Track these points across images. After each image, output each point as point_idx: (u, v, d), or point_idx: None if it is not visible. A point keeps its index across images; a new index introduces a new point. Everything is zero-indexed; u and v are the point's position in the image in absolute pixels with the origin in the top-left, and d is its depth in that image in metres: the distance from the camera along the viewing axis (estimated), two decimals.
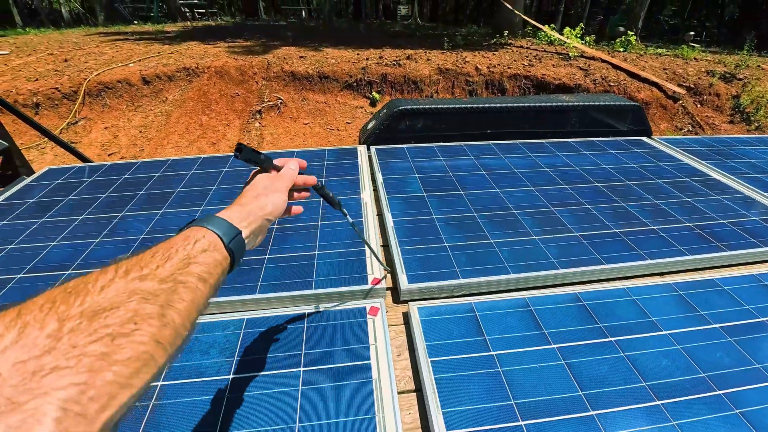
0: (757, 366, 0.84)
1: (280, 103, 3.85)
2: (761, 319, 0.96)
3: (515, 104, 1.95)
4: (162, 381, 0.78)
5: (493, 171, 1.58)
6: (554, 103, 1.99)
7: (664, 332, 0.91)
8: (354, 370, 0.78)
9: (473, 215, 1.28)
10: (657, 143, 1.98)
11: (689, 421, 0.73)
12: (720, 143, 2.06)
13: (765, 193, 1.52)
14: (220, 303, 0.96)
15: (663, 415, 0.73)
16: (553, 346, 0.86)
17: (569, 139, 1.93)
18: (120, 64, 4.15)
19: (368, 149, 1.76)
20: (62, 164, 1.81)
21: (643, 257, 1.13)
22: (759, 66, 5.29)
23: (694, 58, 5.55)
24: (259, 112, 3.81)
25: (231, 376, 0.78)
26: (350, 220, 0.86)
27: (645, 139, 2.02)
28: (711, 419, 0.73)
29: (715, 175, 1.66)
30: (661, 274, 1.14)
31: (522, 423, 0.71)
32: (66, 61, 4.48)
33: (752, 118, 4.25)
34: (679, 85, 4.53)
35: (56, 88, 3.72)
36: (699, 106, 4.44)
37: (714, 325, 0.94)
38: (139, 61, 4.30)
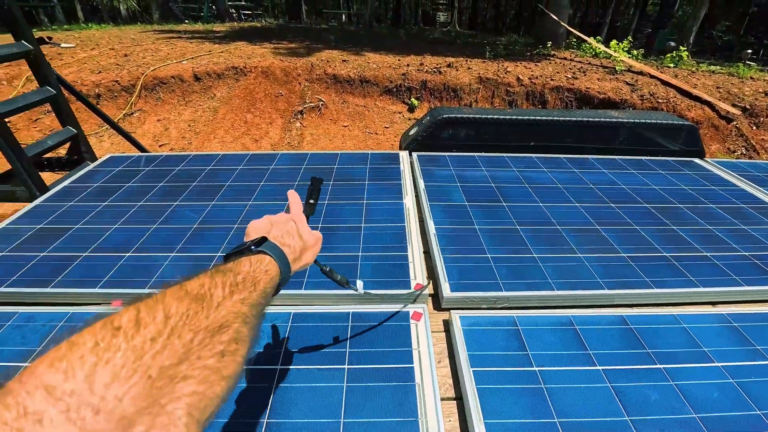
0: None
1: (321, 104, 3.96)
2: None
3: (561, 118, 1.92)
4: None
5: (536, 184, 1.56)
6: (602, 119, 1.94)
7: (716, 364, 0.87)
8: (397, 372, 0.79)
9: (516, 228, 1.27)
10: (711, 165, 1.89)
11: None
12: None
13: None
14: None
15: None
16: (599, 367, 0.84)
17: (616, 157, 1.88)
18: (174, 61, 4.40)
19: (410, 155, 1.78)
20: (119, 152, 1.94)
21: (694, 284, 1.08)
22: None
23: (751, 78, 5.24)
24: (301, 112, 3.93)
25: (279, 367, 0.81)
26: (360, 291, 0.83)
27: (697, 160, 1.94)
28: None
29: None
30: (713, 304, 1.09)
31: None
32: (126, 56, 4.79)
33: None
34: (734, 105, 4.28)
35: (116, 81, 4.00)
36: (755, 128, 4.18)
37: None
38: (192, 58, 4.55)
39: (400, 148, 1.95)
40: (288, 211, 0.72)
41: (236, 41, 6.00)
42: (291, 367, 0.81)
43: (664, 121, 1.95)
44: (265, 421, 0.71)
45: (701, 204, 1.52)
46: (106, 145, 3.66)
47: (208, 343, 0.33)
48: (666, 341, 0.92)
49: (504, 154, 1.81)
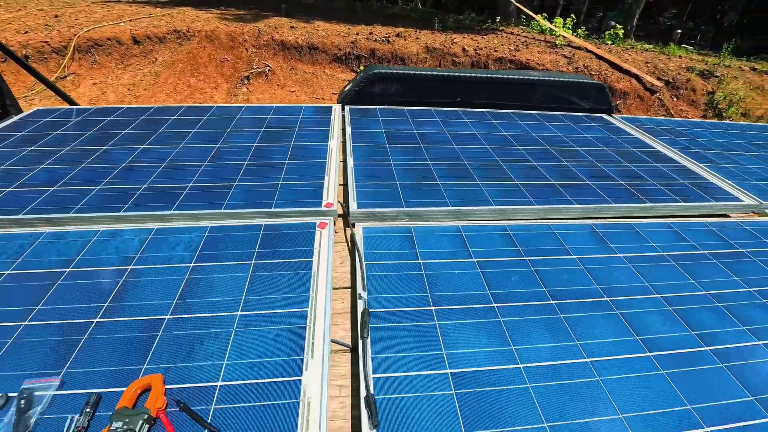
0: (646, 284, 0.99)
1: (268, 70, 3.92)
2: (662, 254, 1.12)
3: (486, 75, 2.07)
4: (135, 265, 0.90)
5: (456, 132, 1.71)
6: (522, 77, 2.11)
7: (573, 257, 1.06)
8: (298, 264, 0.91)
9: (428, 163, 1.41)
10: (616, 120, 2.12)
11: (575, 315, 0.87)
12: (675, 124, 2.21)
13: (700, 164, 1.67)
14: (187, 215, 1.08)
15: (554, 310, 0.88)
16: (474, 260, 1.00)
17: (533, 112, 2.06)
18: (111, 23, 4.16)
19: (343, 108, 1.87)
20: None
21: (571, 203, 1.27)
22: (740, 68, 5.46)
23: (680, 56, 5.70)
24: (247, 77, 3.88)
25: (192, 264, 0.90)
26: None
27: (605, 116, 2.16)
28: (595, 317, 0.88)
29: (660, 148, 1.81)
30: (586, 219, 1.28)
31: (433, 308, 0.85)
32: (56, 17, 4.45)
33: (724, 114, 4.42)
34: (659, 79, 4.68)
35: (46, 42, 3.73)
36: (675, 99, 4.60)
37: (619, 255, 1.09)
38: (130, 21, 4.31)
39: (337, 103, 2.03)
40: None
41: (180, 6, 5.71)
42: (203, 264, 0.91)
43: (576, 80, 2.15)
44: (175, 301, 0.81)
45: (597, 148, 1.72)
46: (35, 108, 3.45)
47: None
48: (536, 243, 1.09)
49: (431, 108, 1.94)
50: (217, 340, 0.74)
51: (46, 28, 3.96)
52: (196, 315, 0.79)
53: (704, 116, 4.60)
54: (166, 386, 0.66)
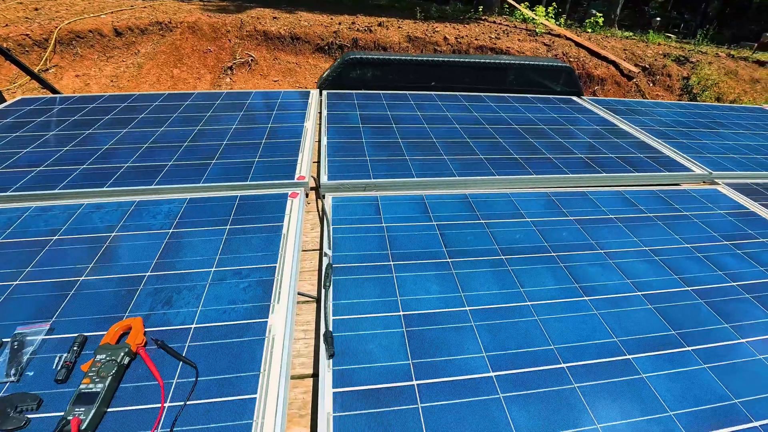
0: (591, 242, 1.09)
1: (252, 60, 3.96)
2: (609, 216, 1.21)
3: (458, 60, 2.15)
4: (118, 232, 0.97)
5: (428, 113, 1.79)
6: (494, 61, 2.19)
7: (526, 219, 1.15)
8: (269, 228, 0.99)
9: (398, 141, 1.49)
10: (584, 102, 2.21)
11: (522, 268, 0.96)
12: (641, 105, 2.31)
13: (658, 139, 1.77)
14: (167, 189, 1.15)
15: (503, 263, 0.97)
16: (434, 223, 1.08)
17: (506, 95, 2.15)
18: (92, 15, 4.14)
19: (321, 93, 1.93)
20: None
21: (530, 173, 1.36)
22: (716, 54, 5.61)
23: (659, 43, 5.83)
24: (231, 68, 3.91)
25: (171, 230, 0.98)
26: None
27: (574, 98, 2.25)
28: (540, 268, 0.97)
29: (622, 125, 1.90)
30: (545, 188, 1.37)
31: (392, 263, 0.93)
32: (36, 9, 4.41)
33: (698, 98, 4.56)
34: (635, 65, 4.80)
35: (27, 35, 3.71)
36: (651, 85, 4.73)
37: (570, 218, 1.18)
38: (112, 13, 4.30)
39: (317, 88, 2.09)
40: None
41: None
42: (181, 230, 0.98)
43: (545, 63, 2.24)
44: (155, 261, 0.89)
45: (562, 126, 1.82)
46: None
47: None
48: (494, 209, 1.18)
49: (406, 92, 2.02)
50: (193, 291, 0.81)
51: (27, 21, 3.94)
52: (174, 272, 0.86)
53: (679, 101, 4.74)
54: (146, 330, 0.74)
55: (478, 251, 1.00)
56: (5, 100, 1.98)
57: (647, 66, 4.78)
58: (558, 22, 6.08)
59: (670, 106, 2.34)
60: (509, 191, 1.27)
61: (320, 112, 1.74)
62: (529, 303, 0.87)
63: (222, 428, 0.60)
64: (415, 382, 0.68)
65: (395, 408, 0.64)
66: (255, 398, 0.63)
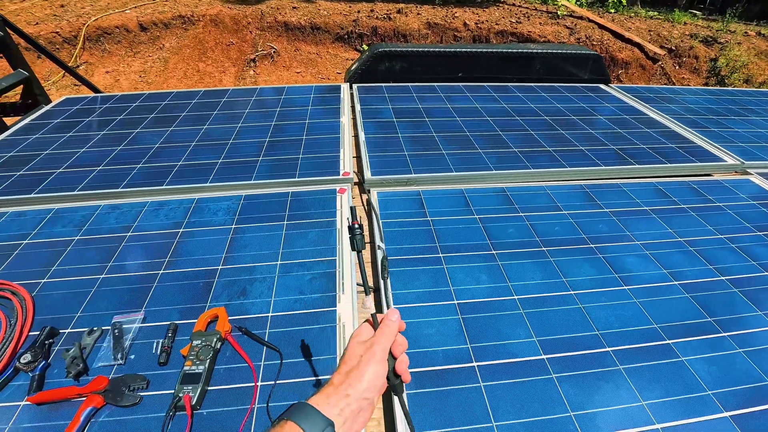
0: (627, 233, 1.13)
1: (274, 52, 3.99)
2: (644, 208, 1.25)
3: (485, 50, 2.16)
4: (184, 228, 1.06)
5: (457, 106, 1.82)
6: (521, 50, 2.19)
7: (564, 212, 1.19)
8: (323, 223, 1.06)
9: (433, 135, 1.53)
10: (612, 90, 2.21)
11: (563, 259, 1.02)
12: (669, 92, 2.29)
13: (688, 128, 1.77)
14: (222, 186, 1.22)
15: (545, 255, 1.02)
16: (476, 216, 1.14)
17: (533, 84, 2.15)
18: (117, 11, 4.21)
19: (350, 87, 1.97)
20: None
21: (564, 166, 1.40)
22: (745, 33, 5.40)
23: (685, 22, 5.63)
24: (254, 60, 3.95)
25: (233, 226, 1.06)
26: None
27: (602, 86, 2.24)
28: (580, 259, 1.03)
29: (653, 114, 1.91)
30: (579, 180, 1.41)
31: (441, 255, 0.99)
32: (62, 6, 4.50)
33: (726, 81, 4.43)
34: (661, 47, 4.66)
35: (57, 32, 3.81)
36: (677, 67, 4.60)
37: (605, 210, 1.22)
38: (135, 8, 4.36)
39: (344, 82, 2.13)
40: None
41: None
42: (242, 225, 1.06)
43: (572, 51, 2.23)
44: (224, 255, 0.97)
45: (592, 116, 1.83)
46: (54, 97, 3.58)
47: None
48: (531, 202, 1.23)
49: (434, 84, 2.04)
50: (264, 283, 0.89)
51: (55, 18, 4.03)
52: (243, 265, 0.94)
53: (706, 84, 4.61)
54: (229, 318, 0.82)
55: (521, 244, 1.05)
56: (50, 101, 2.08)
57: (673, 48, 4.64)
58: (579, 3, 5.91)
59: (699, 93, 2.31)
60: (545, 184, 1.31)
61: (353, 106, 1.79)
62: (572, 292, 0.93)
63: None
64: (475, 364, 0.75)
65: (460, 386, 0.72)
66: None
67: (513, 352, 0.78)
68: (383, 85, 1.99)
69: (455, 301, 0.87)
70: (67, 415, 0.67)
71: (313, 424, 0.42)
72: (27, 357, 0.76)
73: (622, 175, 1.43)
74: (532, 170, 1.35)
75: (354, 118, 1.70)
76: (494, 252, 1.02)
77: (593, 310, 0.89)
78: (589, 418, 0.69)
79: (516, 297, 0.90)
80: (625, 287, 0.96)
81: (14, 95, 2.20)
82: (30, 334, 0.82)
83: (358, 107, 1.73)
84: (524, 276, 0.95)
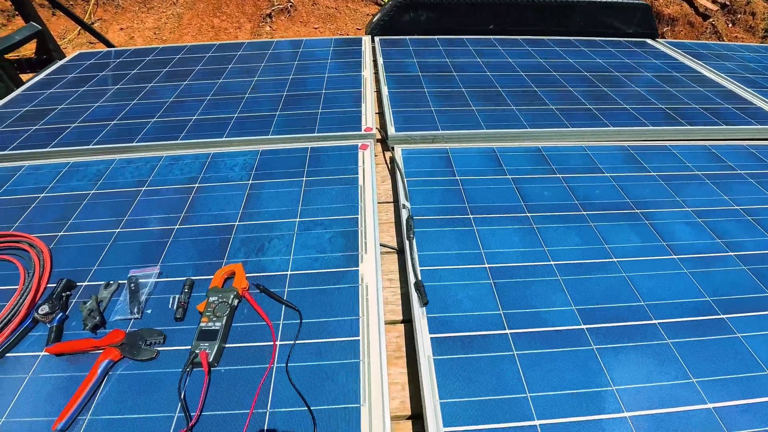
0: (677, 199, 1.03)
1: (290, 6, 3.78)
2: (696, 173, 1.13)
3: (519, 0, 1.96)
4: (200, 183, 1.01)
5: (488, 59, 1.67)
6: (559, 0, 1.99)
7: (606, 174, 1.09)
8: (344, 180, 0.99)
9: (461, 90, 1.42)
10: (660, 45, 1.99)
11: (604, 224, 0.93)
12: (725, 48, 2.06)
13: (747, 88, 1.59)
14: (239, 141, 1.16)
15: (584, 219, 0.94)
16: (508, 176, 1.05)
17: (571, 38, 1.97)
18: None
19: (372, 40, 1.84)
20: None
21: (606, 125, 1.27)
22: None
23: None
24: (270, 15, 3.76)
25: (250, 182, 1.00)
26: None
27: (649, 41, 2.03)
28: (623, 225, 0.93)
29: (706, 72, 1.72)
30: (623, 141, 1.29)
31: (471, 216, 0.92)
32: None
33: None
34: (713, 2, 4.20)
35: None
36: (730, 25, 4.14)
37: (652, 173, 1.11)
38: None
39: (366, 35, 1.99)
40: None
41: None
42: (259, 181, 1.00)
43: (618, 1, 2.01)
44: (241, 211, 0.92)
45: (637, 73, 1.66)
46: (69, 54, 3.54)
47: None
48: (570, 163, 1.12)
49: (463, 36, 1.89)
50: (282, 240, 0.85)
51: None
52: (261, 221, 0.89)
53: (762, 43, 4.18)
54: (247, 275, 0.78)
55: (558, 206, 0.97)
56: (64, 56, 2.02)
57: (727, 3, 4.17)
58: None
59: (760, 50, 2.07)
60: (585, 144, 1.20)
61: (375, 60, 1.67)
62: (614, 259, 0.85)
63: (332, 366, 0.64)
64: (508, 331, 0.70)
65: (492, 354, 0.66)
66: (358, 340, 0.67)
67: (549, 321, 0.72)
68: (407, 37, 1.85)
69: (486, 265, 0.81)
70: (85, 366, 0.66)
71: None
72: (45, 308, 0.74)
73: (671, 136, 1.30)
74: (571, 129, 1.24)
75: (376, 73, 1.59)
76: (528, 214, 0.94)
77: (638, 279, 0.81)
78: (633, 393, 0.63)
79: (552, 263, 0.83)
80: (674, 256, 0.87)
81: (29, 52, 2.16)
82: (48, 286, 0.80)
83: (380, 61, 1.62)
84: (562, 241, 0.88)
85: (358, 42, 1.79)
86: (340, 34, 3.93)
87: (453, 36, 1.87)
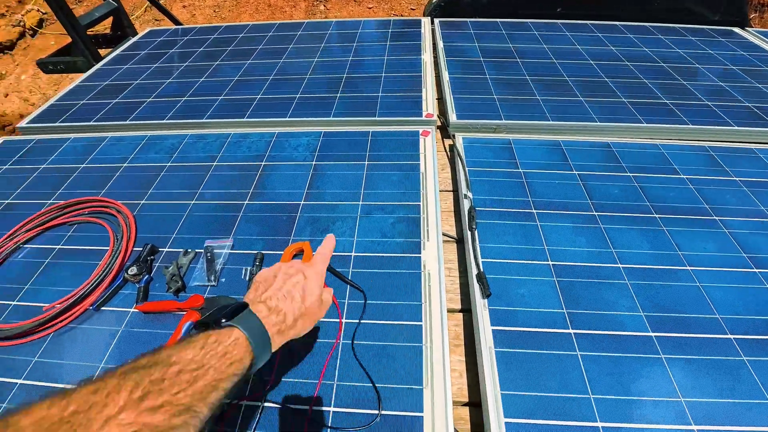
0: (762, 209, 0.95)
1: None
2: None
3: None
4: (266, 161, 1.05)
5: (555, 46, 1.59)
6: None
7: (682, 176, 1.02)
8: (405, 166, 1.00)
9: (525, 78, 1.36)
10: (750, 35, 1.80)
11: (678, 230, 0.88)
12: None
13: None
14: (301, 121, 1.20)
15: (656, 222, 0.89)
16: (575, 172, 1.01)
17: (647, 24, 1.82)
18: None
19: (432, 21, 1.80)
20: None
21: (685, 122, 1.18)
22: None
23: None
24: None
25: (313, 162, 1.03)
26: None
27: (737, 29, 1.84)
28: (700, 232, 0.88)
29: None
30: (703, 141, 1.19)
31: (534, 211, 0.90)
32: None
33: None
34: None
35: None
36: None
37: (735, 178, 1.03)
38: None
39: (424, 16, 1.95)
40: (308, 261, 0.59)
41: None
42: (323, 162, 1.03)
43: None
44: (305, 191, 0.95)
45: (723, 66, 1.52)
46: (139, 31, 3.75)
47: None
48: (642, 161, 1.06)
49: (527, 20, 1.80)
50: (346, 222, 0.87)
51: None
52: (324, 202, 0.92)
53: None
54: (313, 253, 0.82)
55: (628, 207, 0.92)
56: (137, 32, 2.14)
57: None
58: None
59: None
60: (660, 142, 1.13)
61: (434, 44, 1.64)
62: (688, 268, 0.81)
63: (395, 347, 0.66)
64: (572, 331, 0.69)
65: (554, 351, 0.66)
66: (421, 325, 0.69)
67: (616, 325, 0.70)
68: (468, 20, 1.79)
69: (549, 262, 0.79)
70: (170, 326, 0.73)
71: (259, 344, 0.42)
72: (133, 269, 0.82)
73: (758, 138, 1.19)
74: (645, 125, 1.16)
75: (436, 57, 1.56)
76: (595, 213, 0.90)
77: (713, 291, 0.77)
78: (704, 407, 0.61)
79: (620, 265, 0.80)
80: (755, 270, 0.81)
81: (104, 28, 2.30)
82: (134, 249, 0.88)
83: (440, 44, 1.58)
84: (631, 243, 0.84)
85: (417, 24, 1.76)
86: (395, 14, 3.86)
87: (517, 20, 1.79)
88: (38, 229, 0.96)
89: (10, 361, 0.73)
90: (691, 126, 1.17)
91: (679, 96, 1.31)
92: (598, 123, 1.15)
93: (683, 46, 1.64)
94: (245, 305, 0.46)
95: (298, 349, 0.67)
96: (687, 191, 0.98)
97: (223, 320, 0.43)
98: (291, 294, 0.49)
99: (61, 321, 0.76)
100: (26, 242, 0.93)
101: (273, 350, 0.45)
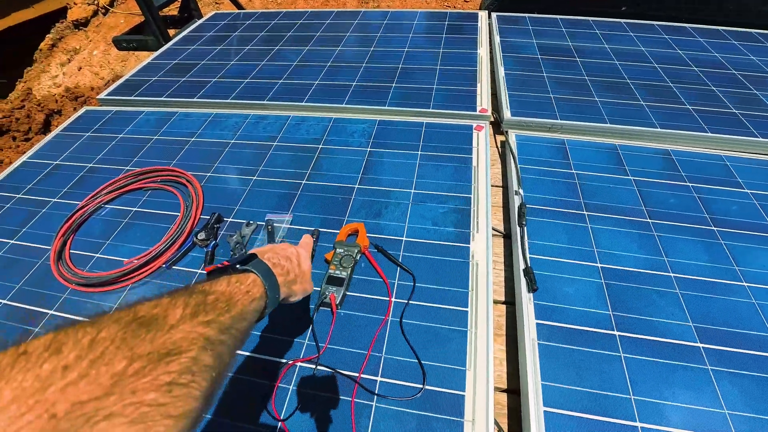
0: None
1: None
2: None
3: None
4: (323, 145, 1.11)
5: (618, 46, 1.54)
6: None
7: (745, 190, 0.98)
8: (459, 159, 1.02)
9: (584, 78, 1.33)
10: None
11: (738, 245, 0.85)
12: None
13: None
14: (357, 108, 1.24)
15: (714, 236, 0.87)
16: (630, 177, 0.99)
17: (718, 27, 1.72)
18: None
19: (489, 15, 1.78)
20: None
21: (754, 135, 1.12)
22: None
23: None
24: None
25: (368, 149, 1.08)
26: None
27: None
28: (761, 249, 0.85)
29: None
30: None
31: (585, 213, 0.90)
32: None
33: None
34: None
35: None
36: None
37: None
38: None
39: (481, 9, 1.93)
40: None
41: None
42: (378, 149, 1.07)
43: None
44: (360, 175, 1.00)
45: None
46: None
47: (149, 372, 0.26)
48: (704, 172, 1.03)
49: (589, 18, 1.74)
50: (398, 208, 0.91)
51: None
52: (378, 188, 0.97)
53: None
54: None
55: (685, 218, 0.90)
56: (202, 15, 2.25)
57: None
58: None
59: None
60: (725, 154, 1.08)
61: (491, 39, 1.62)
62: (744, 284, 0.78)
63: (441, 329, 0.70)
64: (616, 333, 0.70)
65: (597, 350, 0.68)
66: (467, 311, 0.72)
67: (662, 332, 0.70)
68: (527, 15, 1.76)
69: (599, 264, 0.80)
70: None
71: (271, 292, 0.48)
72: (202, 235, 0.90)
73: None
74: (709, 134, 1.11)
75: (491, 52, 1.55)
76: (650, 221, 0.89)
77: None
78: (749, 422, 0.61)
79: (672, 274, 0.79)
80: None
81: (171, 12, 2.43)
82: (201, 217, 0.96)
83: (496, 39, 1.57)
84: (686, 254, 0.83)
85: (473, 17, 1.75)
86: (447, 6, 3.81)
87: (578, 17, 1.74)
88: (117, 192, 1.06)
89: (93, 305, 0.83)
90: (760, 139, 1.11)
91: (750, 106, 1.24)
92: (659, 129, 1.12)
93: (759, 53, 1.54)
94: (254, 255, 0.53)
95: (348, 320, 0.72)
96: (750, 206, 0.94)
97: (237, 265, 0.49)
98: (288, 258, 0.58)
99: (139, 274, 0.85)
100: (107, 203, 1.04)
101: (280, 298, 0.51)
